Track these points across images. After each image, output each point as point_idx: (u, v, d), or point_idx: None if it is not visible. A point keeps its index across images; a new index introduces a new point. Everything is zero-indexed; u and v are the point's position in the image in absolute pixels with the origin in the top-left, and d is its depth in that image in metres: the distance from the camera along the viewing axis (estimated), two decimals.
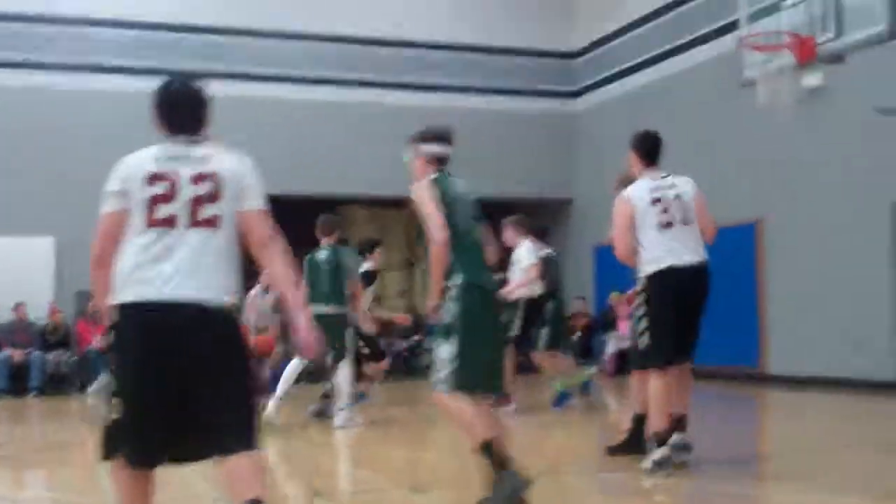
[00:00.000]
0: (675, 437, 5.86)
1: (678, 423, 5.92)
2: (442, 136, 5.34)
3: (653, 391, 5.82)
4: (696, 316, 5.95)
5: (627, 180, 6.39)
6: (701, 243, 5.96)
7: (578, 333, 16.34)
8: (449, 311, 4.83)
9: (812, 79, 11.80)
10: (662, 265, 5.83)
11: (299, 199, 18.48)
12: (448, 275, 4.86)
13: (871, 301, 11.27)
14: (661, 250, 5.84)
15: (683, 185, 6.03)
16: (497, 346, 5.07)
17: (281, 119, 16.01)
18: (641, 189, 5.98)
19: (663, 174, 6.08)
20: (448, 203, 4.97)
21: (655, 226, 5.87)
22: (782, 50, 8.89)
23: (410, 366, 16.15)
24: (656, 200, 5.91)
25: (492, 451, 4.64)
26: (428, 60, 17.07)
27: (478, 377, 4.82)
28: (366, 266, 9.67)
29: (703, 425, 6.83)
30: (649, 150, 6.14)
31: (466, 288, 4.83)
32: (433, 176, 5.10)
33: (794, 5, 8.90)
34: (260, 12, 16.15)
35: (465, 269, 4.86)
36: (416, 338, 16.14)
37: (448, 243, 4.85)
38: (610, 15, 16.77)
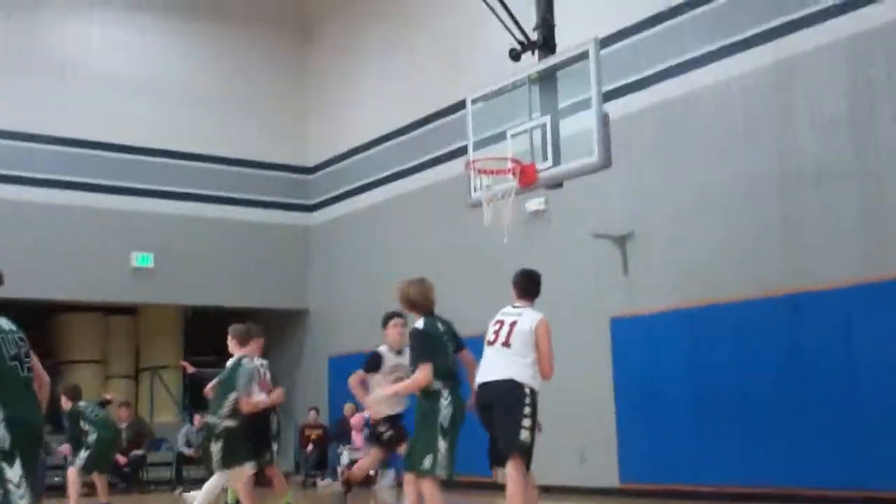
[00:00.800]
0: None
1: None
2: None
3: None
4: (493, 427, 6.78)
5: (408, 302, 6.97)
6: (513, 364, 6.76)
7: (311, 446, 16.22)
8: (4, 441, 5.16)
9: (534, 202, 12.62)
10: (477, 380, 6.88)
11: (15, 304, 17.39)
12: None
13: (595, 412, 11.91)
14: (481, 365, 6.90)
15: (526, 318, 6.91)
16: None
17: (1, 220, 15.17)
18: (498, 313, 7.02)
19: (520, 305, 7.09)
20: None
21: (486, 343, 6.90)
22: (506, 174, 9.38)
23: (134, 480, 15.39)
24: (497, 322, 6.93)
25: None
26: (166, 168, 16.79)
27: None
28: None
29: None
30: (520, 284, 7.19)
31: (9, 422, 5.11)
32: None
33: (517, 135, 9.47)
34: None
35: (6, 406, 5.11)
36: (138, 452, 15.37)
37: None
38: (344, 134, 17.20)
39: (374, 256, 16.26)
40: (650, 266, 11.56)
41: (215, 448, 8.14)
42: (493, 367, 6.74)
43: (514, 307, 7.05)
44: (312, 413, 16.62)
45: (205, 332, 21.04)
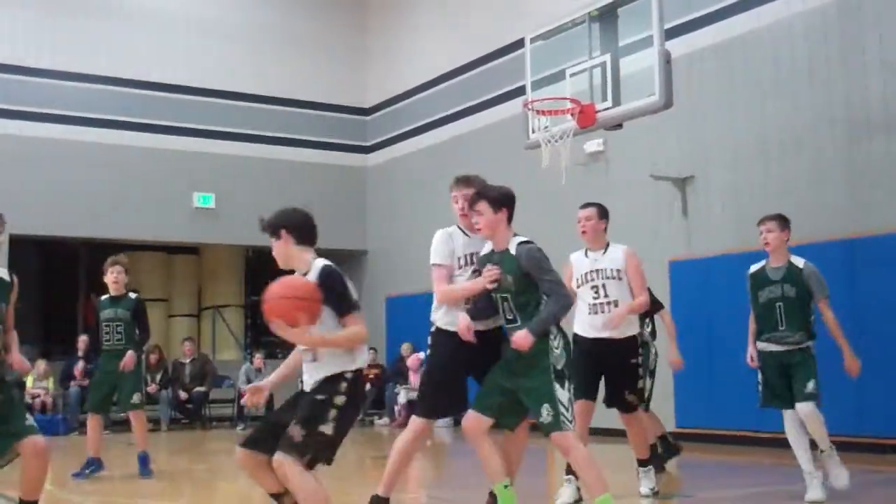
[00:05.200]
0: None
1: None
2: None
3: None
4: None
5: None
6: None
7: (368, 385, 16.41)
8: None
9: (592, 143, 12.50)
10: None
11: (83, 243, 17.82)
12: None
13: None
14: None
15: None
16: None
17: (67, 161, 15.46)
18: None
19: None
20: None
21: None
22: (565, 115, 9.30)
23: (196, 416, 15.75)
24: None
25: None
26: (226, 109, 16.91)
27: None
28: None
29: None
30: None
31: None
32: None
33: (576, 74, 9.37)
34: (44, 51, 15.59)
35: None
36: (201, 388, 15.70)
37: None
38: (402, 75, 17.14)
39: (431, 197, 16.24)
40: (710, 209, 11.42)
41: None
42: None
43: None
44: (370, 353, 16.78)
45: (265, 272, 21.40)
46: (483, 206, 5.30)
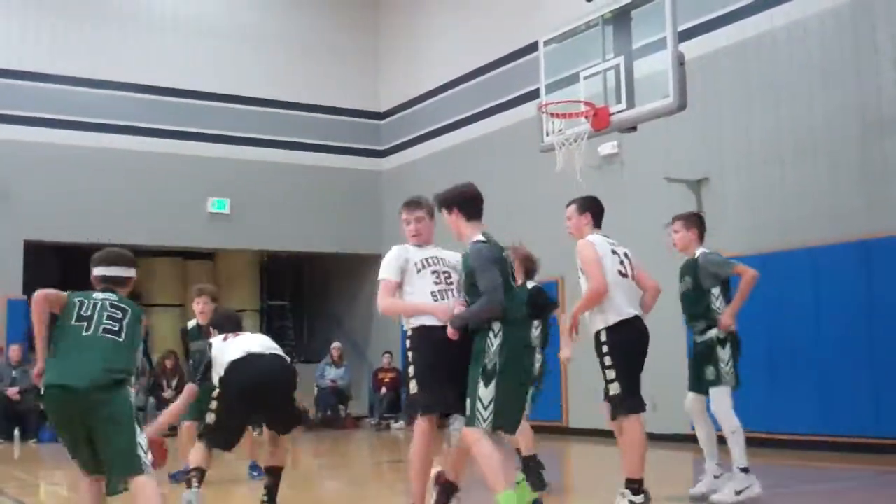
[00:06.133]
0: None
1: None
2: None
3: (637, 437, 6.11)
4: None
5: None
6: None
7: (384, 389, 16.43)
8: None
9: (606, 146, 12.50)
10: (627, 315, 6.11)
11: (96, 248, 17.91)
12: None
13: (666, 360, 11.82)
14: (622, 299, 6.14)
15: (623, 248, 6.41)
16: None
17: (82, 167, 15.57)
18: (601, 240, 6.30)
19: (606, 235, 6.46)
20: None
21: (616, 273, 6.18)
22: (579, 118, 9.31)
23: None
24: (613, 252, 6.27)
25: None
26: (241, 114, 16.99)
27: None
28: None
29: None
30: (600, 213, 6.51)
31: (44, 385, 4.70)
32: None
33: (590, 77, 9.37)
34: (62, 57, 15.70)
35: (47, 370, 4.74)
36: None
37: None
38: (415, 79, 17.18)
39: None
40: (725, 211, 11.39)
41: None
42: (632, 299, 6.27)
43: (606, 237, 6.41)
44: (386, 357, 16.84)
45: (281, 276, 21.46)
46: (444, 212, 5.58)
